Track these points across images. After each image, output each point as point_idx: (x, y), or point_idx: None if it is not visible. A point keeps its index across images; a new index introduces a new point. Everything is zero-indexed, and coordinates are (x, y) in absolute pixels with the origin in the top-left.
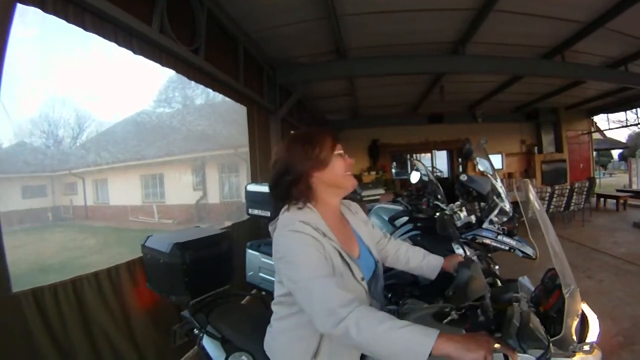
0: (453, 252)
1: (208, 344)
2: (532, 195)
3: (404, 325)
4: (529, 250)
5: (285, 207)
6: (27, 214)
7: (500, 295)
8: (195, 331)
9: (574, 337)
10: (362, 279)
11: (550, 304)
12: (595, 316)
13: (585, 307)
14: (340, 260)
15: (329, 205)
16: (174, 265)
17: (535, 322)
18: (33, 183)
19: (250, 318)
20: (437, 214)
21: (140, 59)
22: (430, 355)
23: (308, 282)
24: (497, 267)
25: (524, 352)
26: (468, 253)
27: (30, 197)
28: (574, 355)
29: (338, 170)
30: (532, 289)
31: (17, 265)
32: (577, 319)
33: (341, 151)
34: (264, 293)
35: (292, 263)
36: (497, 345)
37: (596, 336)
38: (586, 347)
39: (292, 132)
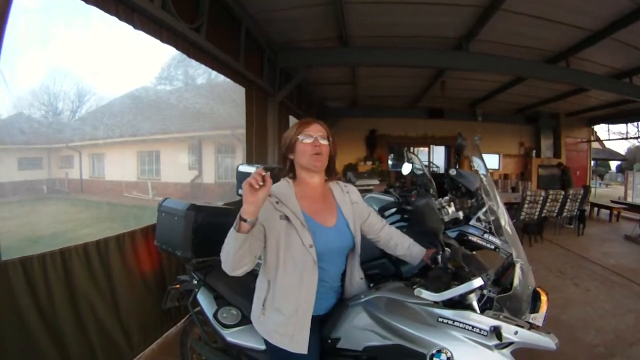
0: (434, 245)
1: (202, 297)
2: (494, 190)
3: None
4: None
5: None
6: (22, 186)
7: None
8: (194, 282)
9: (527, 309)
10: (310, 245)
11: (506, 277)
12: (545, 295)
13: (538, 289)
14: (288, 223)
15: (306, 182)
16: (187, 223)
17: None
18: (29, 155)
19: (244, 282)
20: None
21: (143, 35)
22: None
23: None
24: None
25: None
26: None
27: (26, 169)
28: (529, 327)
29: (302, 153)
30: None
31: (8, 236)
32: (529, 293)
33: (304, 136)
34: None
35: None
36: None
37: (545, 309)
38: (539, 317)
39: (289, 116)
